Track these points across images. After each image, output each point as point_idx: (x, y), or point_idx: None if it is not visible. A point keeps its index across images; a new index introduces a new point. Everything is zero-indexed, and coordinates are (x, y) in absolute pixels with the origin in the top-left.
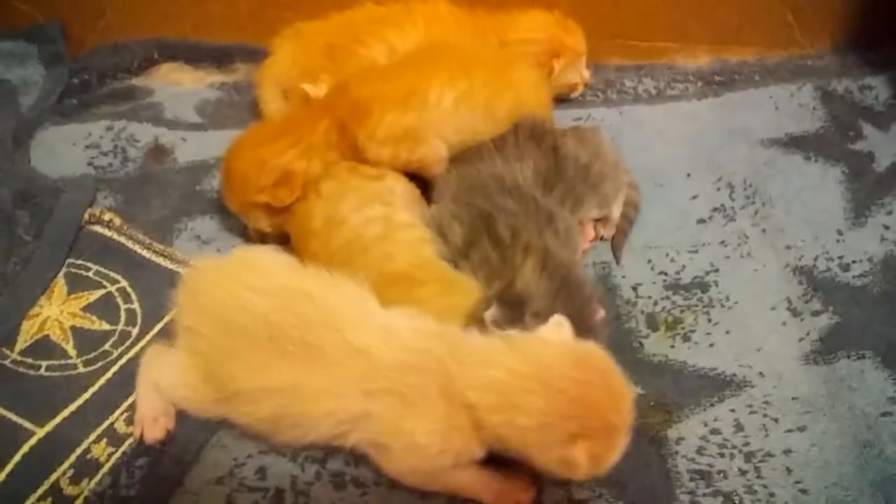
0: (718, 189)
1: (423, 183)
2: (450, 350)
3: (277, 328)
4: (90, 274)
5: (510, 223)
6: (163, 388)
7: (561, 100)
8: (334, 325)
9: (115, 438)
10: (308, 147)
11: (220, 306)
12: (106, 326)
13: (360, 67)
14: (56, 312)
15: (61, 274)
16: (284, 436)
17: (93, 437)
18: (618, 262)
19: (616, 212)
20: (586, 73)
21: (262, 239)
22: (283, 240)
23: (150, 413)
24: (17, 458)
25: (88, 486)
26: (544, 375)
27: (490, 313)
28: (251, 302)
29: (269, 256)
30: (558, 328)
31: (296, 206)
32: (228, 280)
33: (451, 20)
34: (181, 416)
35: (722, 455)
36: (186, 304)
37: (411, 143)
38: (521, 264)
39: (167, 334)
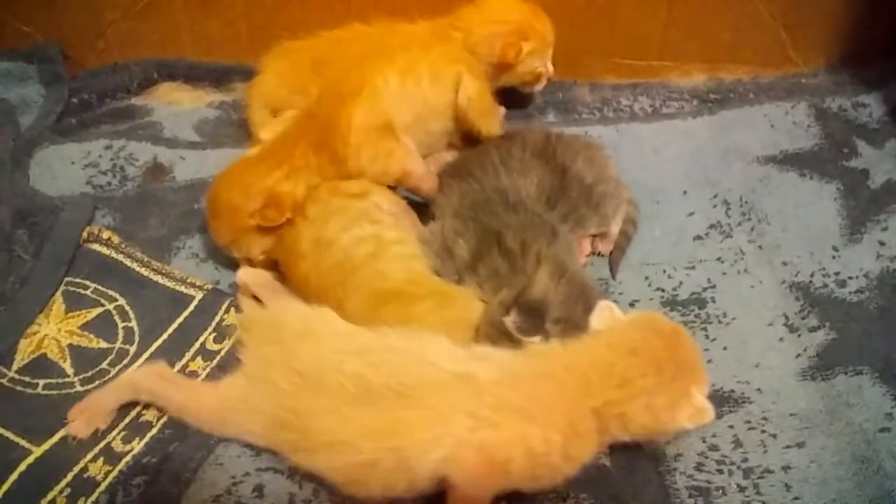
0: (714, 206)
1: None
2: (553, 362)
3: (371, 381)
4: (88, 292)
5: (519, 235)
6: (197, 415)
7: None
8: (428, 362)
9: (112, 457)
10: (291, 170)
11: (313, 368)
12: (103, 344)
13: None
14: (54, 330)
15: (59, 292)
16: (379, 482)
17: (90, 456)
18: (614, 278)
19: (615, 229)
20: (551, 67)
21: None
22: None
23: (97, 408)
24: (14, 477)
25: None
26: (645, 356)
27: (512, 320)
28: (344, 363)
29: (333, 314)
30: (610, 311)
31: (283, 231)
32: (316, 342)
33: (425, 36)
34: (178, 433)
35: (720, 471)
36: (265, 355)
37: (385, 151)
38: (535, 272)
39: (165, 353)
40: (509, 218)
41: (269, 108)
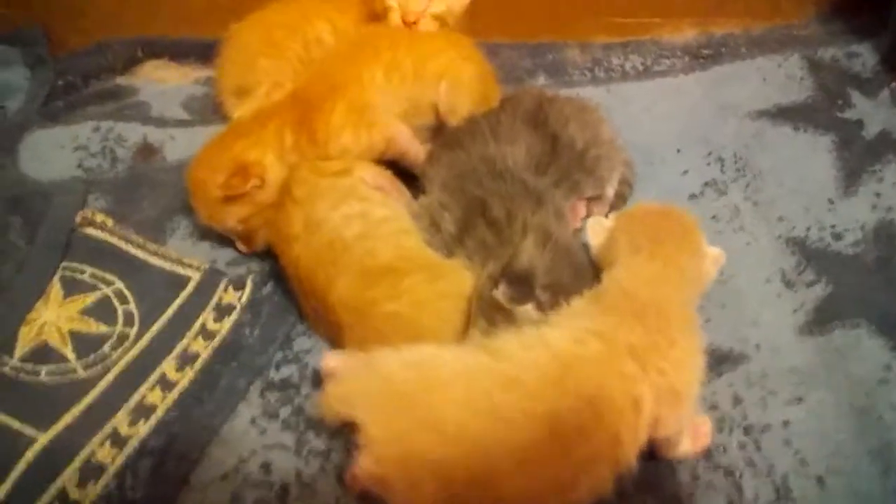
0: (709, 164)
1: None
2: (625, 296)
3: (549, 424)
4: (85, 277)
5: (504, 205)
6: None
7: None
8: (571, 371)
9: (118, 441)
10: (257, 140)
11: (461, 428)
12: (104, 329)
13: (305, 41)
14: (53, 317)
15: (56, 278)
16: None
17: (96, 440)
18: None
19: (610, 191)
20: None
21: (246, 242)
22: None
23: None
24: (22, 465)
25: (95, 489)
26: (650, 228)
27: (502, 292)
28: (500, 409)
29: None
30: (600, 224)
31: (273, 215)
32: (445, 389)
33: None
34: (183, 414)
35: (721, 429)
36: (389, 426)
37: (366, 124)
38: (521, 242)
39: (166, 334)
40: (495, 187)
41: (236, 94)
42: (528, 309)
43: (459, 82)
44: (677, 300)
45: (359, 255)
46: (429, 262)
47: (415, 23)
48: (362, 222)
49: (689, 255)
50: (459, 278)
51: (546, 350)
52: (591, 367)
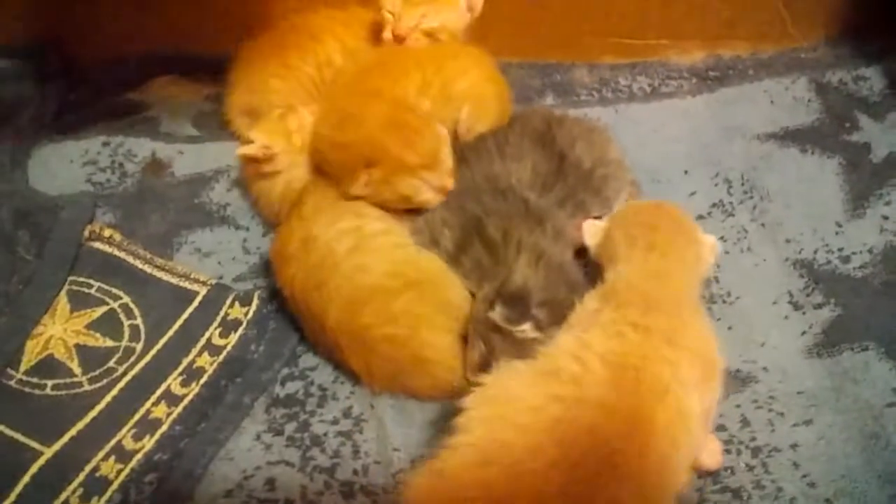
0: (716, 185)
1: None
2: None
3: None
4: (92, 291)
5: (501, 225)
6: None
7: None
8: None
9: (123, 455)
10: None
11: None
12: (110, 343)
13: (318, 64)
14: (60, 331)
15: (63, 292)
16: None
17: (101, 454)
18: None
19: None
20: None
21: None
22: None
23: None
24: (26, 479)
25: None
26: (635, 225)
27: (498, 313)
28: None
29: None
30: (594, 225)
31: (276, 231)
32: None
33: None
34: (189, 430)
35: (728, 451)
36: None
37: None
38: (515, 262)
39: (172, 349)
40: (495, 205)
41: (246, 113)
42: (526, 328)
43: (483, 105)
44: (682, 286)
45: (349, 271)
46: (419, 277)
47: (405, 38)
48: (355, 236)
49: (685, 243)
50: (453, 285)
51: (595, 357)
52: (641, 361)
